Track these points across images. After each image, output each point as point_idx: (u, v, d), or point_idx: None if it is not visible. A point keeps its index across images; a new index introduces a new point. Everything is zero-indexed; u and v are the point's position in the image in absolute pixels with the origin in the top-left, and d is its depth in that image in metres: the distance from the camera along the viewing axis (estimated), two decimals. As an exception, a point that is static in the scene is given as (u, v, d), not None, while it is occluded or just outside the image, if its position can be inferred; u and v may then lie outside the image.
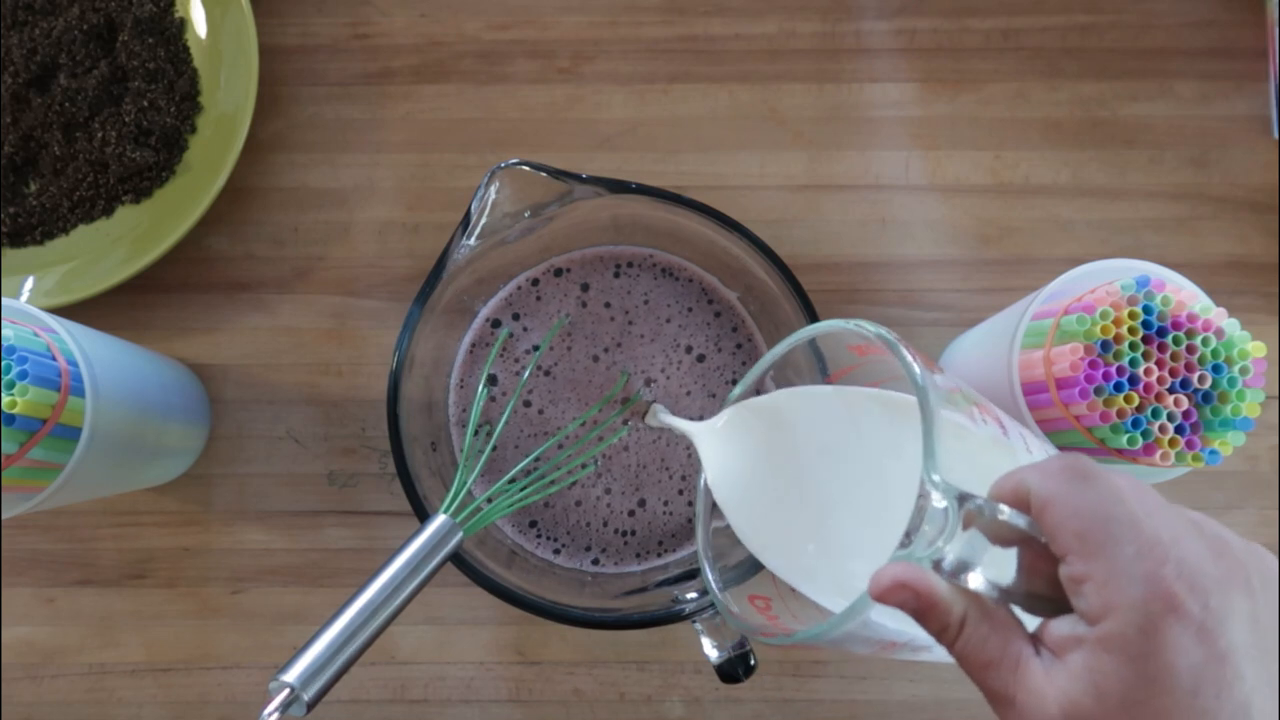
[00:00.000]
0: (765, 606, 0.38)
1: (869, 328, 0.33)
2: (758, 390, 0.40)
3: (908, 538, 0.27)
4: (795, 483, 0.38)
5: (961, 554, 0.27)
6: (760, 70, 0.59)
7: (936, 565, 0.27)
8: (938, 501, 0.27)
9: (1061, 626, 0.26)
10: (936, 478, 0.27)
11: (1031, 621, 0.27)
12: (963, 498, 0.27)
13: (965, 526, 0.27)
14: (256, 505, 0.56)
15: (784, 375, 0.41)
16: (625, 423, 0.51)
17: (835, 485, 0.37)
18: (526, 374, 0.49)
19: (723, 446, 0.40)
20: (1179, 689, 0.24)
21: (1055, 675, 0.26)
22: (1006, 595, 0.27)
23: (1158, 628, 0.24)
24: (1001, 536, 0.27)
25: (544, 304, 0.52)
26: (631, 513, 0.51)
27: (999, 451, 0.32)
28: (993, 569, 0.27)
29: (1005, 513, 0.27)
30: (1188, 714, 0.24)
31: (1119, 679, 0.24)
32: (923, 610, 0.27)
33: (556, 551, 0.51)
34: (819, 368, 0.40)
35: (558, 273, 0.52)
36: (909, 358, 0.30)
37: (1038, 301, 0.44)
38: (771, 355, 0.38)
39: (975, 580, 0.27)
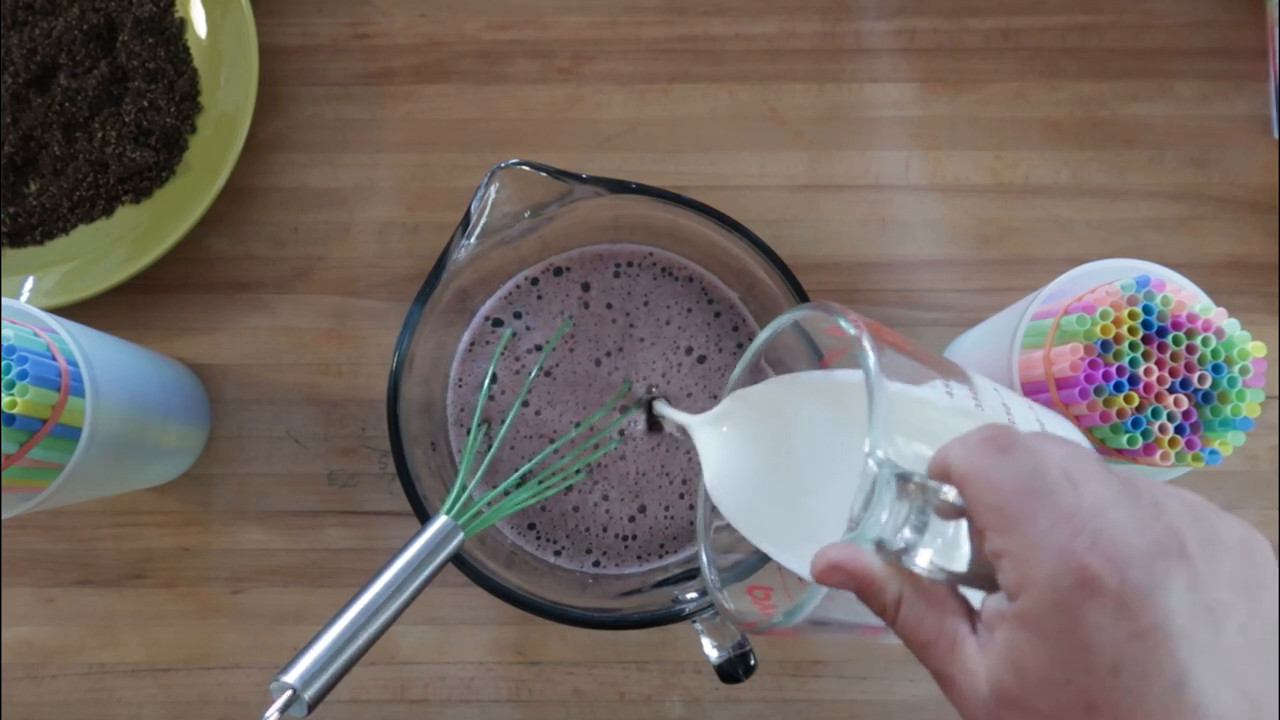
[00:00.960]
0: (765, 597, 0.38)
1: (831, 311, 0.32)
2: (755, 380, 0.40)
3: (852, 521, 0.27)
4: (789, 469, 0.38)
5: (903, 533, 0.26)
6: (760, 70, 0.59)
7: (881, 546, 0.26)
8: (881, 482, 0.26)
9: (991, 603, 0.25)
10: (880, 454, 0.27)
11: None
12: (902, 476, 0.26)
13: (906, 505, 0.26)
14: (256, 505, 0.56)
15: (781, 363, 0.41)
16: (621, 433, 0.51)
17: (824, 469, 0.37)
18: (532, 375, 0.49)
19: (718, 437, 0.40)
20: (1099, 667, 0.22)
21: (986, 653, 0.25)
22: (953, 575, 0.26)
23: (1073, 604, 0.23)
24: (943, 514, 0.26)
25: (544, 303, 0.52)
26: (632, 518, 0.51)
27: (969, 424, 0.32)
28: (943, 548, 0.26)
29: (941, 490, 0.26)
30: (1111, 694, 0.22)
31: (1036, 657, 0.23)
32: (860, 590, 0.26)
33: (557, 554, 0.51)
34: (812, 354, 0.40)
35: (557, 272, 0.52)
36: (858, 334, 0.29)
37: (1038, 301, 0.44)
38: (752, 350, 0.39)
39: (922, 559, 0.26)
